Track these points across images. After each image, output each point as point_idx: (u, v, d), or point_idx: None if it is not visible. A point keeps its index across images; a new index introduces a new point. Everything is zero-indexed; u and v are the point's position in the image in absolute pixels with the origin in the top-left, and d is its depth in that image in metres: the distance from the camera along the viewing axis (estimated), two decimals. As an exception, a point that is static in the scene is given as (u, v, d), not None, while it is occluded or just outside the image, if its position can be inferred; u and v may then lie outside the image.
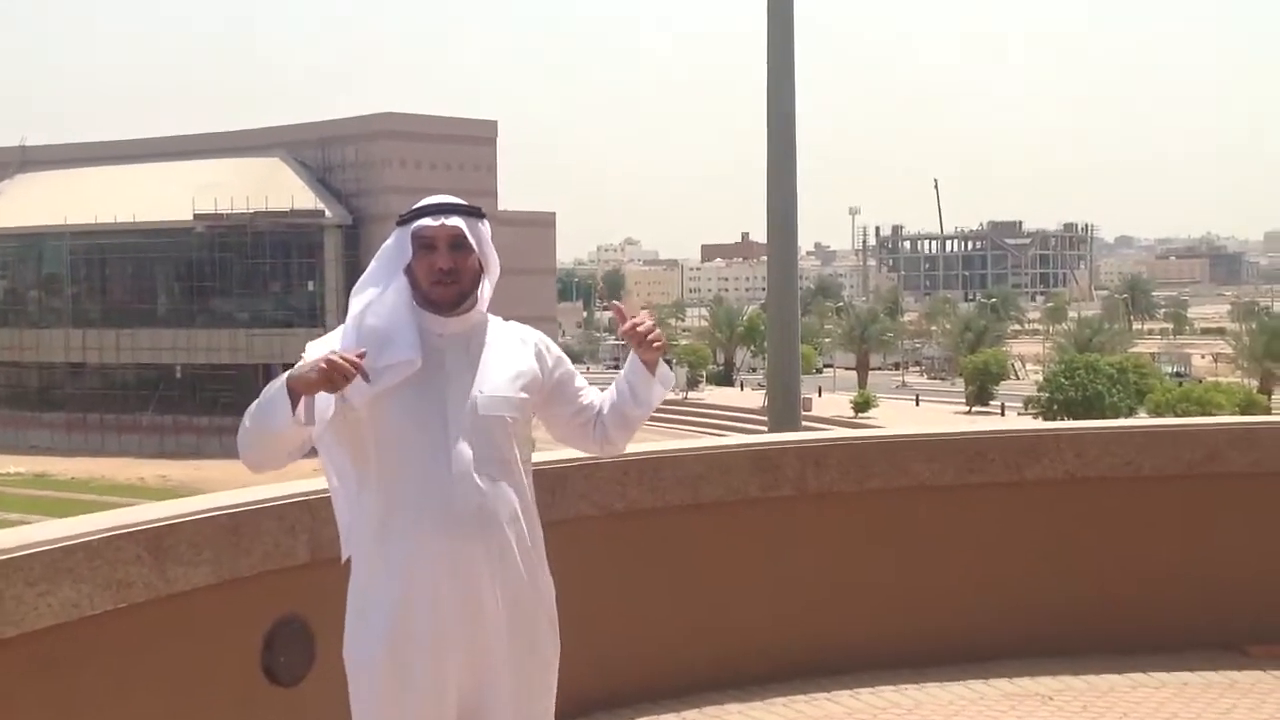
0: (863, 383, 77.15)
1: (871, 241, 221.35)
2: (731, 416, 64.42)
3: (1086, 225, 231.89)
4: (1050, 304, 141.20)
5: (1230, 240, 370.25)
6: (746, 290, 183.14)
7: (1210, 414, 47.41)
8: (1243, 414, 49.29)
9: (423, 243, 3.18)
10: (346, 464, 3.24)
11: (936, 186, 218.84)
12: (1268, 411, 55.98)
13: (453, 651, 3.10)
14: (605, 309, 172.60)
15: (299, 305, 77.26)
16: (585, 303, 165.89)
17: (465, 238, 3.18)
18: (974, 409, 68.80)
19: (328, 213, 75.04)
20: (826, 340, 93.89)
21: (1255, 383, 64.05)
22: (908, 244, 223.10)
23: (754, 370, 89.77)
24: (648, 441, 5.36)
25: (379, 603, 3.15)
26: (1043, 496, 6.08)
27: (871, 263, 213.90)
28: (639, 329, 3.21)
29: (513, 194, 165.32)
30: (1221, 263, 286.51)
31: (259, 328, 73.69)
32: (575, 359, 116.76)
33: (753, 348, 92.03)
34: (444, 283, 3.17)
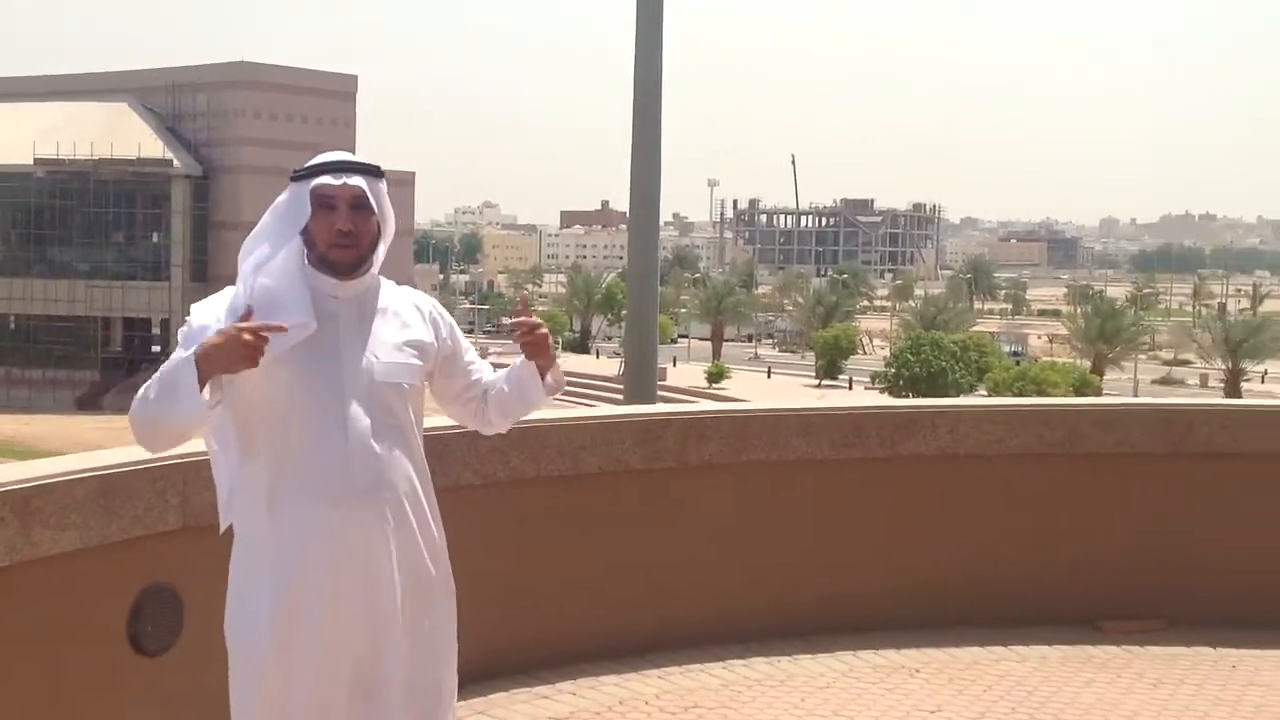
0: (717, 354, 77.96)
1: (729, 214, 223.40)
2: (587, 384, 64.37)
3: (934, 206, 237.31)
4: (899, 282, 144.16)
5: (1068, 225, 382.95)
6: (605, 258, 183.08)
7: (1046, 392, 49.07)
8: (1077, 393, 51.13)
9: (322, 202, 3.03)
10: (229, 430, 3.07)
11: (794, 162, 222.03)
12: (1099, 391, 58.18)
13: (348, 619, 3.02)
14: (462, 272, 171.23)
15: (143, 257, 74.98)
16: (442, 265, 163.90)
17: (367, 198, 3.05)
18: (823, 382, 70.03)
19: (176, 162, 72.85)
20: (683, 310, 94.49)
21: (1088, 363, 66.43)
22: (764, 218, 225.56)
23: (610, 338, 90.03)
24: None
25: (265, 573, 3.03)
26: (915, 471, 6.18)
27: (728, 235, 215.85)
28: (536, 334, 3.17)
29: (371, 152, 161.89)
30: (1059, 247, 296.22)
31: (100, 279, 71.37)
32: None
33: (610, 316, 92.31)
34: (342, 245, 3.04)
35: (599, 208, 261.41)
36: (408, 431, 3.11)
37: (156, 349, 75.47)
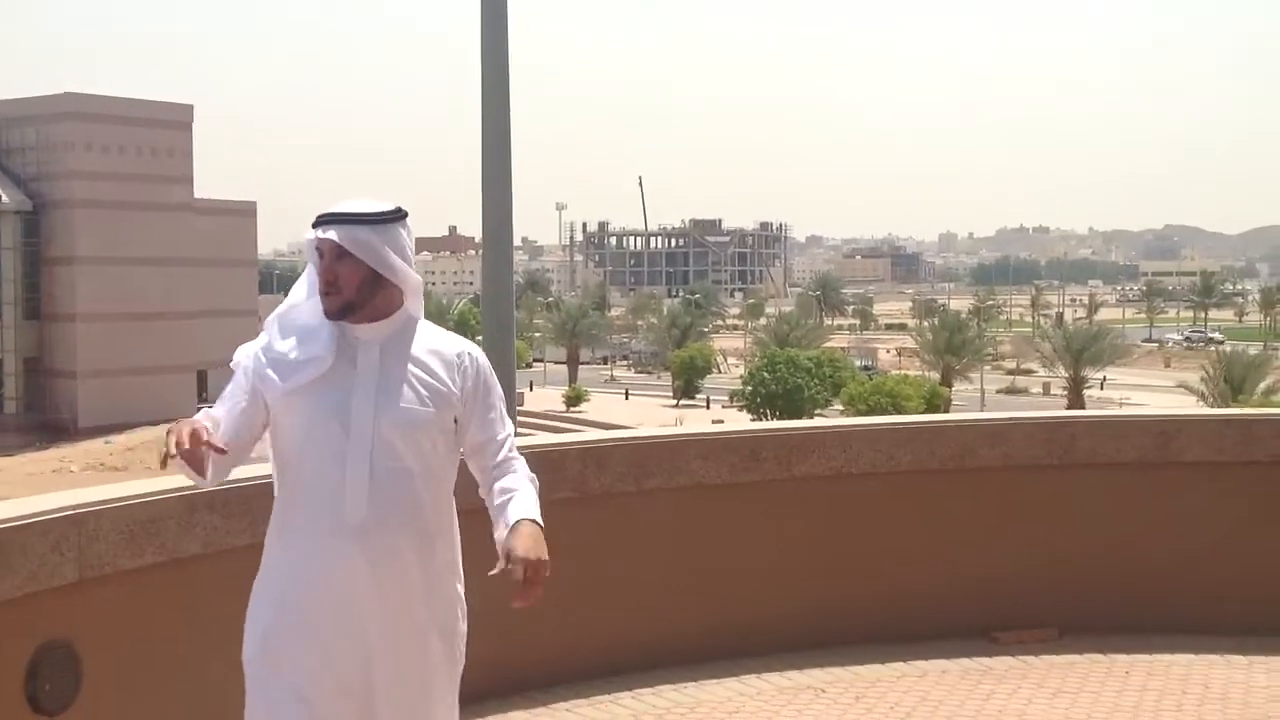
0: (573, 377, 77.98)
1: (579, 237, 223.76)
2: (442, 411, 63.78)
3: (780, 225, 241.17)
4: (751, 300, 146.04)
5: (909, 241, 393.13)
6: (455, 284, 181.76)
7: (901, 405, 50.15)
8: (929, 405, 52.36)
9: (317, 253, 3.16)
10: (270, 458, 3.25)
11: (641, 184, 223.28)
12: (949, 402, 59.70)
13: (334, 649, 3.08)
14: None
15: (-29, 295, 72.12)
16: (285, 295, 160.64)
17: (342, 248, 3.10)
18: (681, 402, 70.51)
19: (4, 198, 70.28)
20: (537, 335, 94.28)
21: (937, 375, 68.18)
22: (613, 240, 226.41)
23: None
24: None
25: (264, 602, 3.16)
26: (812, 492, 6.23)
27: (578, 258, 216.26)
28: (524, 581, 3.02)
29: (209, 182, 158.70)
30: (902, 262, 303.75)
31: (-73, 318, 68.44)
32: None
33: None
34: (327, 294, 3.12)
35: (446, 233, 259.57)
36: (411, 476, 3.10)
37: (-10, 389, 72.61)
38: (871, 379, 62.43)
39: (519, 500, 3.16)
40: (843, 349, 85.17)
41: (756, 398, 58.54)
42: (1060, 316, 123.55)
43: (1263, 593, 6.39)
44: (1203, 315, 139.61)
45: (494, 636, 5.45)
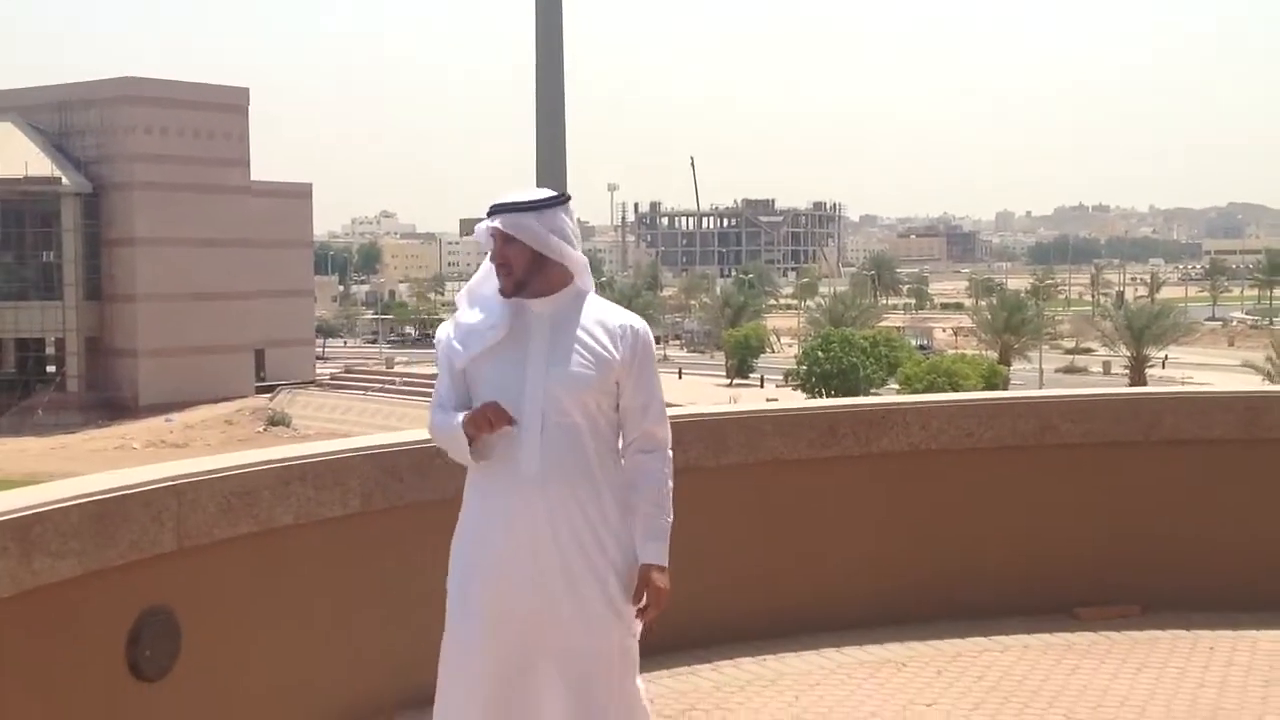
0: (626, 357, 77.80)
1: (630, 218, 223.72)
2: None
3: (834, 204, 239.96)
4: (804, 280, 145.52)
5: (965, 220, 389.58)
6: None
7: (958, 384, 49.80)
8: (987, 384, 51.95)
9: (491, 239, 3.57)
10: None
11: (693, 164, 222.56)
12: (1008, 380, 59.21)
13: (513, 589, 3.48)
14: (362, 282, 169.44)
15: (34, 276, 73.31)
16: (341, 276, 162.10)
17: (507, 233, 3.51)
18: (734, 381, 70.41)
19: (64, 180, 71.22)
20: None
21: (995, 354, 67.63)
22: (665, 220, 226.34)
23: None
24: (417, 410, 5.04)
25: (460, 545, 3.60)
26: (890, 468, 6.21)
27: (630, 238, 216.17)
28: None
29: (264, 164, 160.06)
30: (957, 241, 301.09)
31: (-8, 299, 69.54)
32: (332, 333, 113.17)
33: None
34: (501, 273, 3.55)
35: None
36: (581, 430, 3.50)
37: (51, 369, 73.77)
38: (928, 358, 62.07)
39: (649, 533, 3.57)
40: (898, 328, 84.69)
41: (811, 377, 58.34)
42: (1121, 295, 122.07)
43: (1351, 570, 6.30)
44: (1268, 294, 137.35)
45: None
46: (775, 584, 6.06)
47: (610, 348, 3.53)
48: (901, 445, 6.19)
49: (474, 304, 3.62)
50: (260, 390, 75.09)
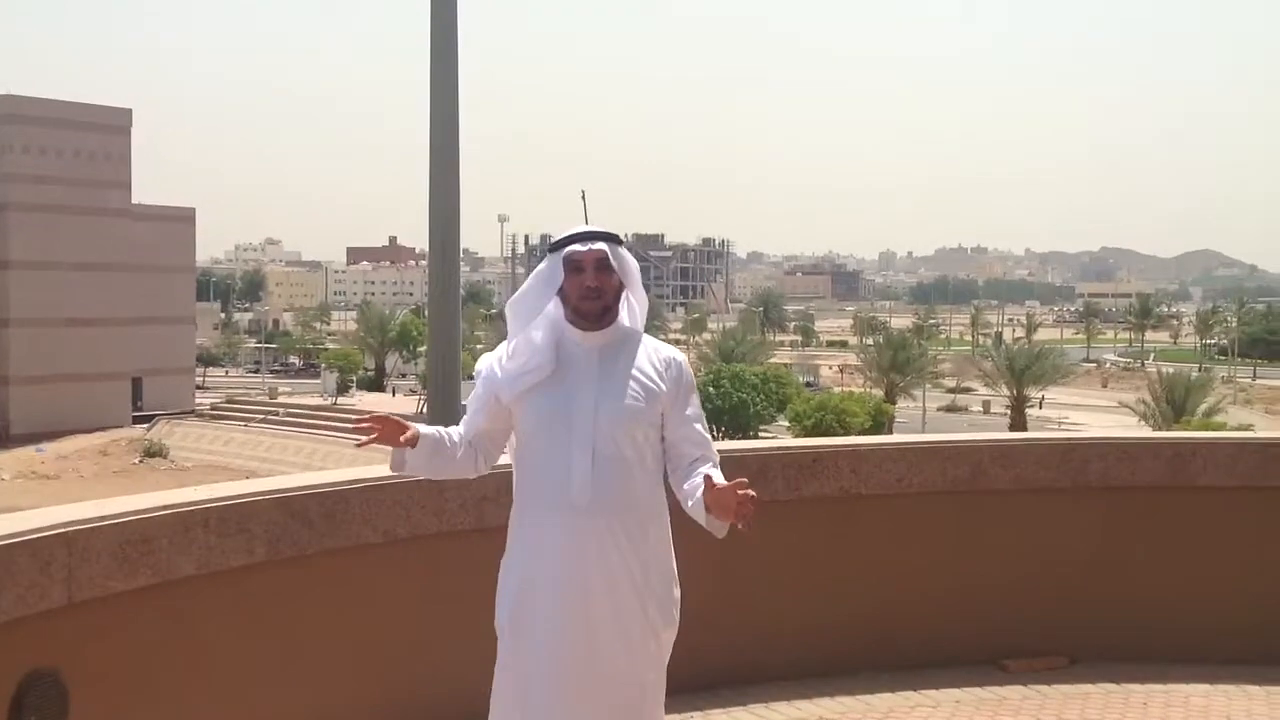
0: (516, 390, 77.26)
1: (520, 249, 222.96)
2: (384, 423, 62.95)
3: (723, 240, 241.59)
4: (693, 315, 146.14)
5: (850, 259, 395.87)
6: (394, 295, 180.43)
7: (846, 422, 50.17)
8: (874, 422, 52.44)
9: (573, 266, 3.64)
10: (511, 453, 3.74)
11: (584, 197, 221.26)
12: (893, 419, 59.86)
13: (565, 615, 3.53)
14: (245, 310, 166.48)
15: (-98, 299, 70.50)
16: (223, 303, 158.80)
17: (609, 260, 3.64)
18: (624, 417, 70.02)
19: (-62, 199, 68.77)
20: (480, 347, 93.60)
21: (881, 392, 68.36)
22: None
23: (404, 376, 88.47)
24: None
25: (510, 579, 3.64)
26: (820, 513, 6.00)
27: (520, 270, 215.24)
28: (738, 499, 3.39)
29: (148, 188, 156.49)
30: (842, 279, 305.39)
31: None
32: (214, 362, 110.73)
33: (405, 353, 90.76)
34: (590, 298, 3.62)
35: (386, 244, 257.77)
36: (628, 464, 3.57)
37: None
38: (816, 395, 62.46)
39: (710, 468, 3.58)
40: (786, 365, 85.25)
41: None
42: (999, 336, 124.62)
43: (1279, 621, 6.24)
44: (1140, 337, 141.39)
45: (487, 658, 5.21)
46: (699, 635, 5.78)
47: (657, 381, 3.62)
48: (832, 490, 5.99)
49: (520, 338, 3.66)
50: (138, 420, 72.96)
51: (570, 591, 3.52)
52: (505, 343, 3.73)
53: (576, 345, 3.63)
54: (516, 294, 3.73)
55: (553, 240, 3.75)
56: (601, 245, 3.65)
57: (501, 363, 3.67)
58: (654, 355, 3.67)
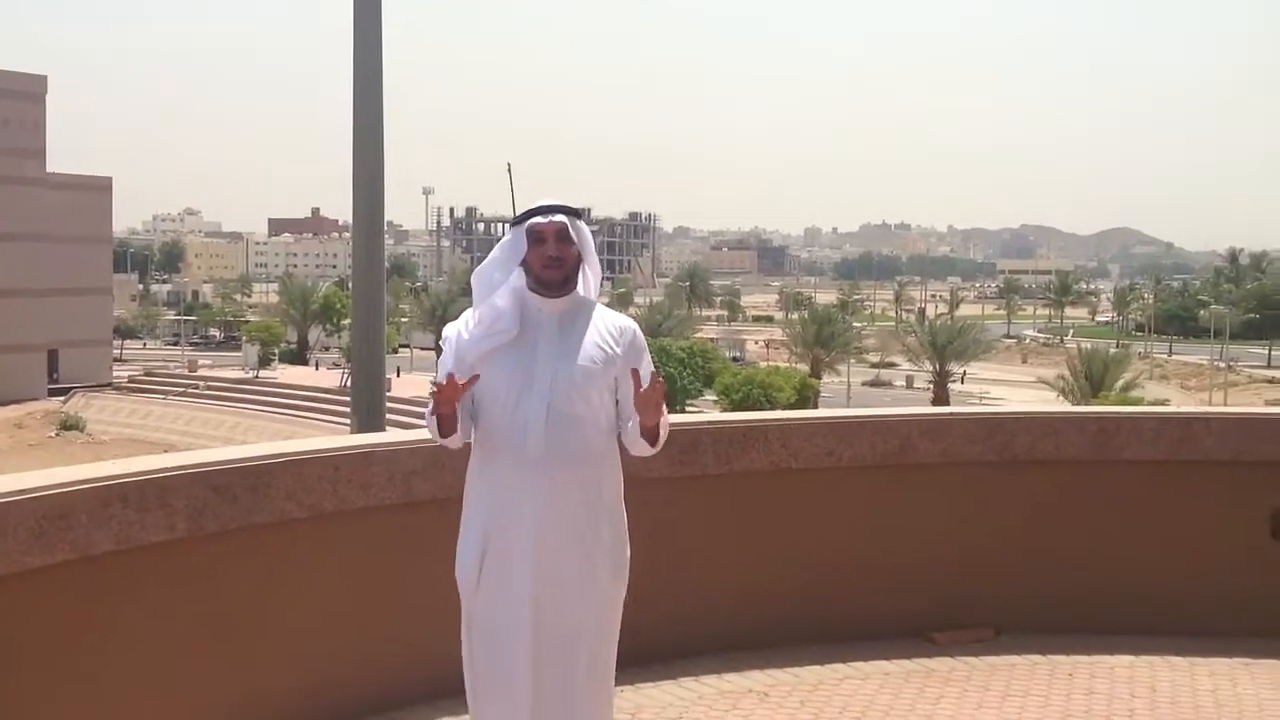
0: (440, 363, 76.80)
1: (446, 222, 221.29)
2: (307, 396, 62.42)
3: (649, 215, 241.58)
4: (620, 290, 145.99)
5: (775, 234, 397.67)
6: (317, 267, 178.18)
7: (772, 396, 50.46)
8: (799, 396, 52.79)
9: (536, 237, 3.90)
10: (471, 408, 3.87)
11: (510, 171, 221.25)
12: (818, 394, 60.32)
13: (519, 562, 3.76)
14: (163, 281, 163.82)
15: None
16: (141, 275, 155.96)
17: (569, 231, 3.90)
18: (550, 391, 69.90)
19: None
20: (404, 320, 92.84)
21: (806, 367, 68.85)
22: (481, 226, 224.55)
23: (328, 349, 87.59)
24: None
25: (471, 528, 3.87)
26: (750, 488, 5.99)
27: (445, 244, 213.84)
28: (650, 395, 3.74)
29: (64, 156, 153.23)
30: (768, 255, 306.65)
31: None
32: (131, 334, 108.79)
33: (328, 326, 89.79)
34: (553, 266, 3.88)
35: (309, 215, 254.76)
36: (582, 421, 3.82)
37: None
38: (742, 370, 62.77)
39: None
40: (712, 340, 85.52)
41: (627, 387, 58.39)
42: (922, 312, 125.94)
43: (1200, 593, 6.33)
44: (1059, 313, 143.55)
45: (419, 642, 5.15)
46: (629, 609, 5.75)
47: (612, 345, 3.87)
48: (763, 464, 5.98)
49: (486, 301, 3.88)
50: (53, 393, 71.59)
51: (523, 540, 3.74)
52: (470, 310, 3.96)
53: (538, 311, 3.88)
54: (482, 264, 3.95)
55: (519, 214, 3.98)
56: (562, 218, 3.90)
57: (468, 326, 3.88)
58: (609, 323, 3.94)
